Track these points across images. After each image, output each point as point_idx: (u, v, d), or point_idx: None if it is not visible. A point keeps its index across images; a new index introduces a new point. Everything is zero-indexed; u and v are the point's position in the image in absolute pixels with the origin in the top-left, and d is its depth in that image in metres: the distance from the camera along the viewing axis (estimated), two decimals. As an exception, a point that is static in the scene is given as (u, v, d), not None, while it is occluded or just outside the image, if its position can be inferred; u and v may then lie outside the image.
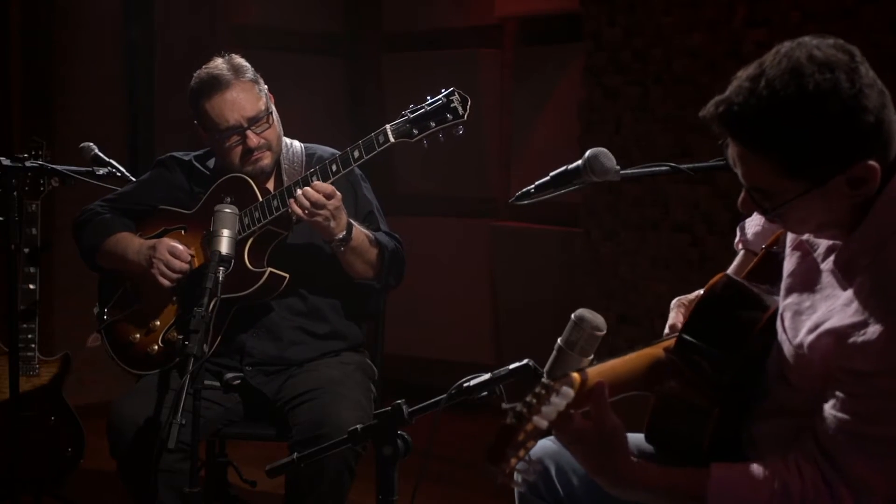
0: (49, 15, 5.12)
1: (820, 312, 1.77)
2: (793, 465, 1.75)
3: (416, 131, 2.92)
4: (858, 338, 1.68)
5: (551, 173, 2.50)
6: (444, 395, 2.00)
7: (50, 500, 3.75)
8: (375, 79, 5.87)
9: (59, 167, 3.42)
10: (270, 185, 3.20)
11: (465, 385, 2.00)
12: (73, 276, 5.04)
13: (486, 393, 2.00)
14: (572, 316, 1.88)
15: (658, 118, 4.33)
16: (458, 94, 2.92)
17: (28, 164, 3.34)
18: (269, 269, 3.06)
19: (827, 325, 1.74)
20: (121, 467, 3.00)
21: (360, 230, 3.04)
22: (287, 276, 3.07)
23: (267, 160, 3.12)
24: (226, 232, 2.80)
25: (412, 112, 2.94)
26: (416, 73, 5.61)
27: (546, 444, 2.16)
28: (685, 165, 2.51)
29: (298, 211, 2.92)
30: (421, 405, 2.03)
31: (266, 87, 3.16)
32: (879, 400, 1.67)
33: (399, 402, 2.01)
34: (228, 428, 3.15)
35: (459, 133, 2.93)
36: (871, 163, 1.66)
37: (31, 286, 3.66)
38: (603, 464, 1.78)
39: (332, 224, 2.94)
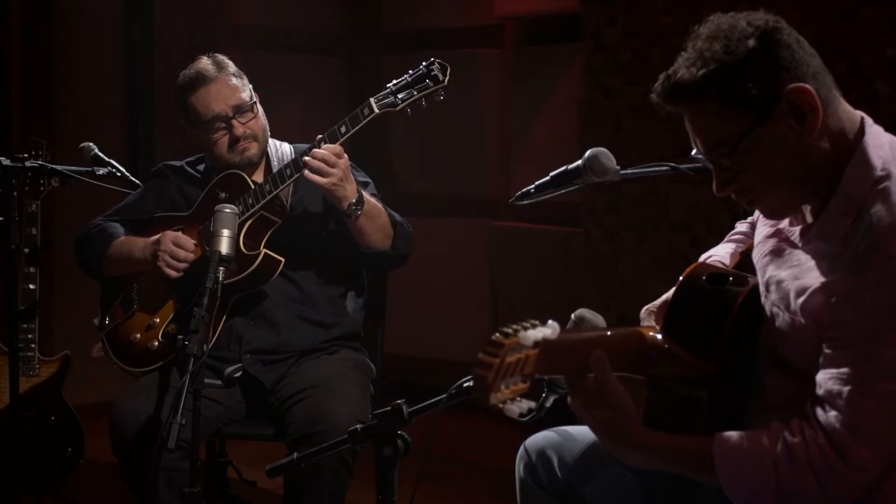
0: (49, 15, 5.12)
1: (806, 278, 1.82)
2: (795, 428, 1.76)
3: (399, 100, 3.00)
4: (846, 288, 1.73)
5: (551, 173, 2.51)
6: (444, 395, 2.00)
7: (50, 500, 3.75)
8: (375, 79, 5.86)
9: (59, 167, 3.42)
10: (259, 180, 3.23)
11: (465, 385, 2.00)
12: (73, 276, 5.01)
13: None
14: (572, 316, 1.88)
15: (658, 118, 4.33)
16: (438, 63, 3.01)
17: (28, 164, 3.34)
18: (265, 250, 3.09)
19: (815, 285, 1.78)
20: (123, 466, 3.00)
21: (369, 196, 3.08)
22: (282, 259, 3.10)
23: (253, 150, 3.18)
24: (226, 232, 2.83)
25: (395, 84, 3.02)
26: (416, 73, 5.61)
27: (549, 435, 2.19)
28: (685, 165, 2.52)
29: (313, 176, 2.95)
30: (421, 405, 2.03)
31: (251, 86, 3.23)
32: (870, 343, 1.71)
33: (399, 402, 2.01)
34: (228, 427, 3.15)
35: (440, 98, 3.02)
36: (804, 85, 1.77)
37: (31, 286, 3.66)
38: (612, 429, 1.82)
39: (346, 187, 2.98)
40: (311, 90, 5.56)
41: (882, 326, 1.70)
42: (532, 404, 1.68)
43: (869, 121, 1.87)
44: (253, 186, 3.11)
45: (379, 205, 3.12)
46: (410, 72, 3.02)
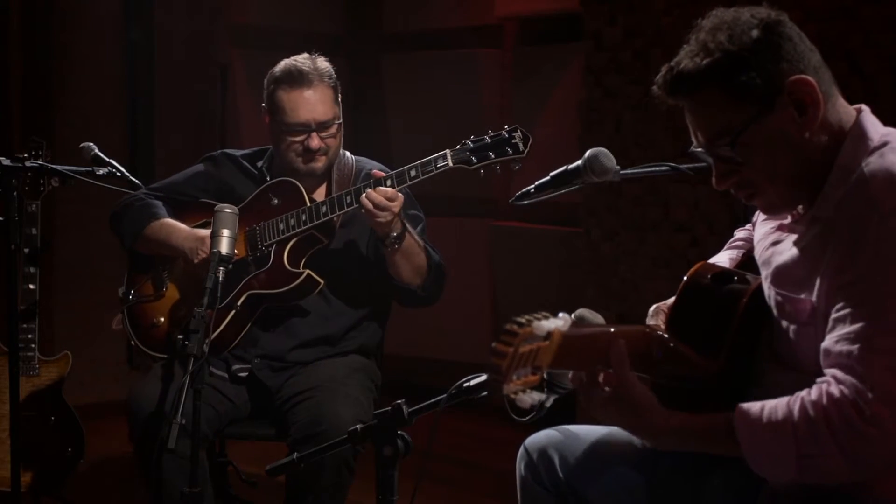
0: (49, 15, 5.12)
1: (808, 257, 1.84)
2: (814, 388, 1.76)
3: (475, 159, 2.98)
4: (846, 251, 1.75)
5: (551, 173, 2.52)
6: (444, 395, 2.01)
7: (50, 500, 3.75)
8: (375, 79, 5.87)
9: (59, 167, 3.41)
10: (321, 191, 3.25)
11: (465, 385, 2.00)
12: (73, 276, 5.05)
13: (486, 393, 2.00)
14: (572, 316, 1.88)
15: (658, 118, 4.33)
16: (521, 131, 2.98)
17: (28, 164, 3.33)
18: (307, 271, 3.10)
19: (818, 259, 1.80)
20: (137, 451, 3.01)
21: (412, 235, 3.08)
22: (322, 282, 3.11)
23: (321, 164, 3.18)
24: (226, 232, 2.85)
25: (474, 142, 3.00)
26: (416, 74, 5.61)
27: (551, 434, 2.19)
28: (685, 165, 2.52)
29: (367, 205, 2.95)
30: (421, 405, 2.03)
31: (340, 97, 3.22)
32: (873, 300, 1.72)
33: (399, 402, 2.01)
34: (229, 428, 3.16)
35: (516, 168, 2.99)
36: (806, 77, 1.79)
37: (31, 286, 3.65)
38: (636, 421, 1.83)
39: (392, 226, 2.99)
40: (310, 90, 5.55)
41: (884, 283, 1.71)
42: (542, 396, 1.68)
43: (867, 109, 1.88)
44: (308, 203, 3.10)
45: (420, 244, 3.12)
46: (491, 132, 2.99)
